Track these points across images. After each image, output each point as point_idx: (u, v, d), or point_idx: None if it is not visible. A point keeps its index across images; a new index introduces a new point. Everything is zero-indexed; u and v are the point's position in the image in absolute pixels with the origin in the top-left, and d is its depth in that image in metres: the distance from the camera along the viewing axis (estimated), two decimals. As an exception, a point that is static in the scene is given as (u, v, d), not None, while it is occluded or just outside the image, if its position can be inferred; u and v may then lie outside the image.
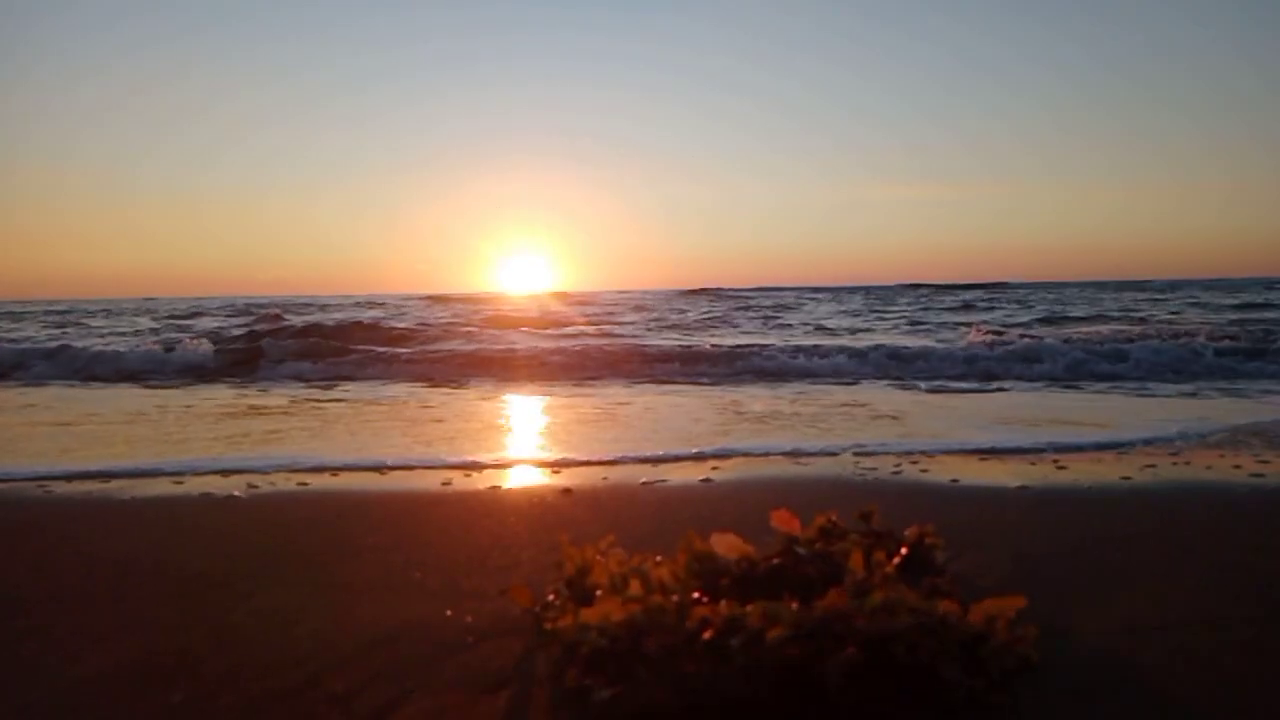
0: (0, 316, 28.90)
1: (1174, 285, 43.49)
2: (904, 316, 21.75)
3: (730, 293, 44.72)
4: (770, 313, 23.94)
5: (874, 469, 4.00)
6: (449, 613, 2.02)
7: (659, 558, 1.83)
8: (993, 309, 24.30)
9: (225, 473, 4.12)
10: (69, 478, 4.04)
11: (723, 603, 1.49)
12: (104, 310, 33.79)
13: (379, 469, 4.14)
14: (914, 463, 4.13)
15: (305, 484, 3.79)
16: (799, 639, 1.41)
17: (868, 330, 17.50)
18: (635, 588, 1.57)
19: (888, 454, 4.41)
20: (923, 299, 33.16)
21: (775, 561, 1.78)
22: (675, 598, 1.53)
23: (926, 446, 4.63)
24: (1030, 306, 25.15)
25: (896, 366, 9.19)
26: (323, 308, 30.24)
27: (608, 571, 1.70)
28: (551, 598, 1.84)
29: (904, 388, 7.91)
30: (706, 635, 1.42)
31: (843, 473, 3.94)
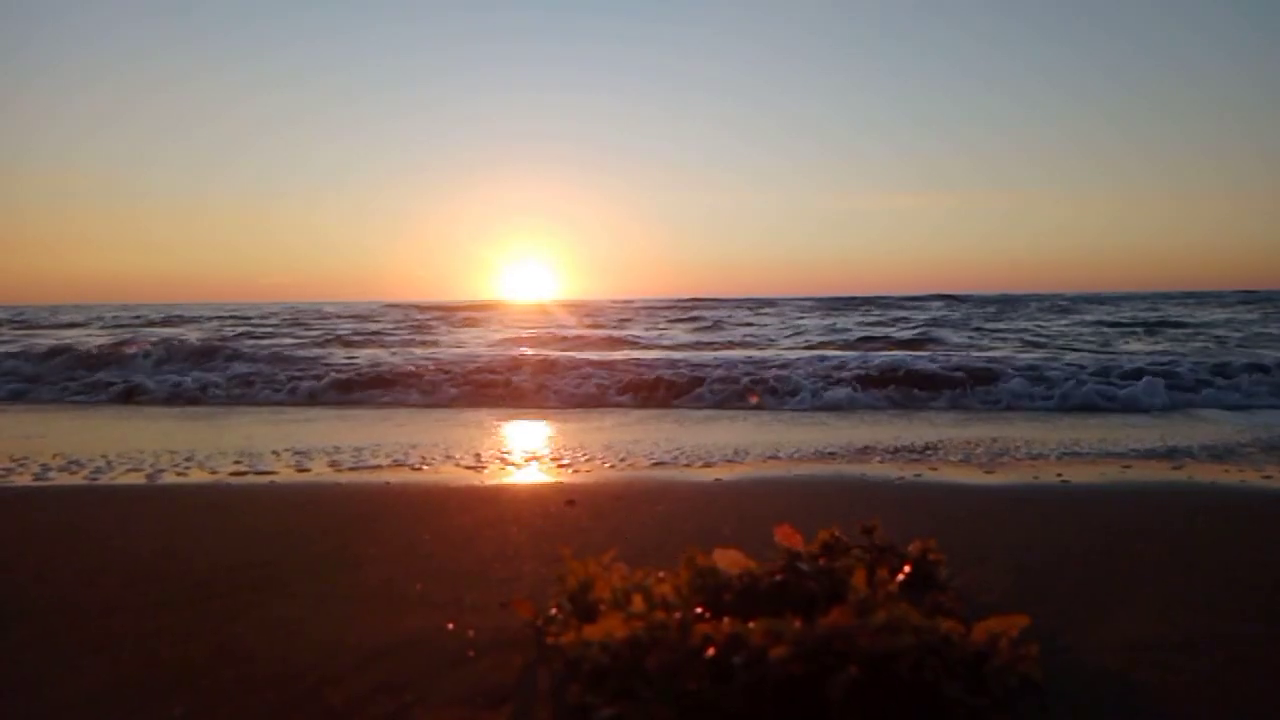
0: None
1: (1161, 297, 43.24)
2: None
3: (730, 302, 44.64)
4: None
5: (876, 481, 3.99)
6: (450, 625, 2.02)
7: (661, 573, 1.83)
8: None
9: (229, 481, 4.12)
10: (69, 484, 4.04)
11: (725, 620, 1.49)
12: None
13: (383, 479, 4.14)
14: (916, 474, 4.13)
15: (308, 494, 3.79)
16: (802, 657, 1.41)
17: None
18: (638, 604, 1.56)
19: (889, 464, 4.41)
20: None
21: (778, 578, 1.78)
22: (678, 614, 1.53)
23: (927, 457, 4.63)
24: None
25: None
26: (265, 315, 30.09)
27: (610, 587, 1.70)
28: (554, 611, 1.84)
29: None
30: (709, 653, 1.42)
31: (845, 484, 3.94)
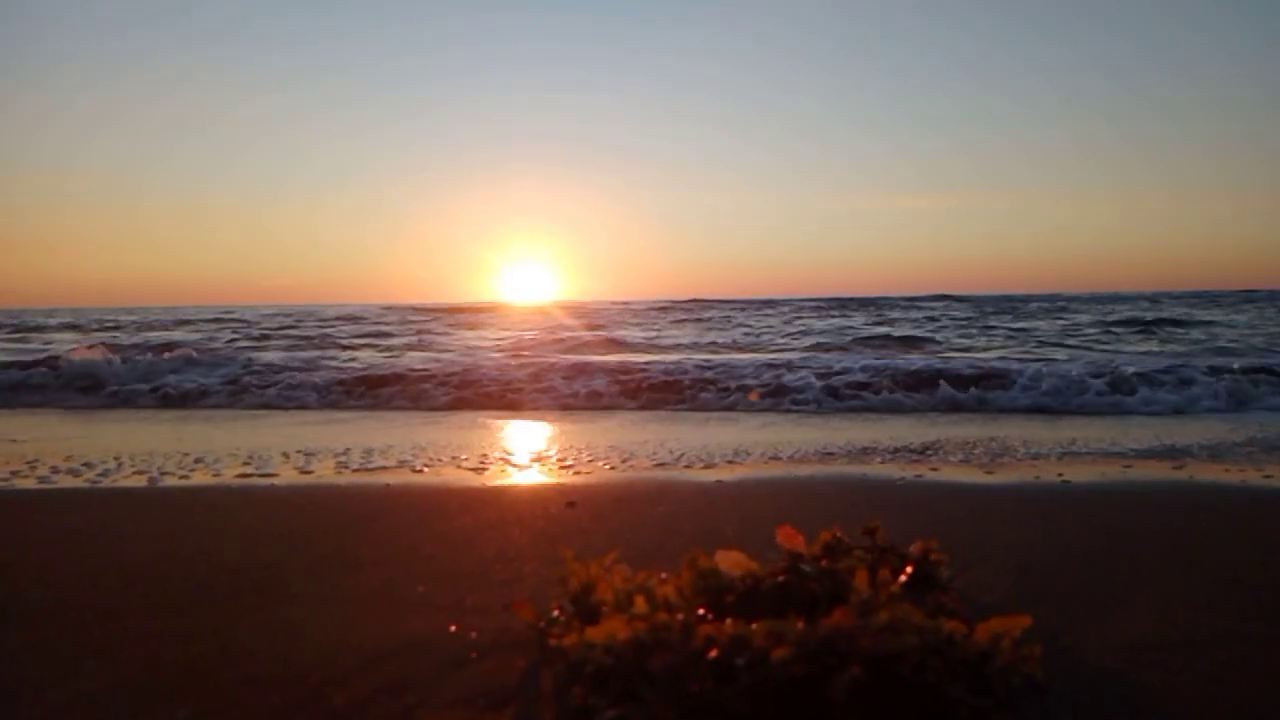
0: None
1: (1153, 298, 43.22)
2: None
3: (731, 303, 44.70)
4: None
5: (877, 481, 3.99)
6: (453, 627, 2.02)
7: (664, 574, 1.83)
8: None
9: (229, 483, 4.12)
10: (69, 487, 4.04)
11: (728, 621, 1.49)
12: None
13: (383, 481, 4.14)
14: (916, 474, 4.13)
15: (309, 495, 3.79)
16: (804, 658, 1.41)
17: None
18: (640, 605, 1.56)
19: (890, 465, 4.41)
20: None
21: (780, 579, 1.78)
22: (680, 616, 1.53)
23: (928, 457, 4.63)
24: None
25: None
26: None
27: (613, 588, 1.70)
28: (556, 613, 1.84)
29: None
30: (712, 654, 1.42)
31: (846, 484, 3.94)
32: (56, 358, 10.50)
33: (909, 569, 1.97)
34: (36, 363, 10.41)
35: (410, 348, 16.79)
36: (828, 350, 14.67)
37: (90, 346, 11.70)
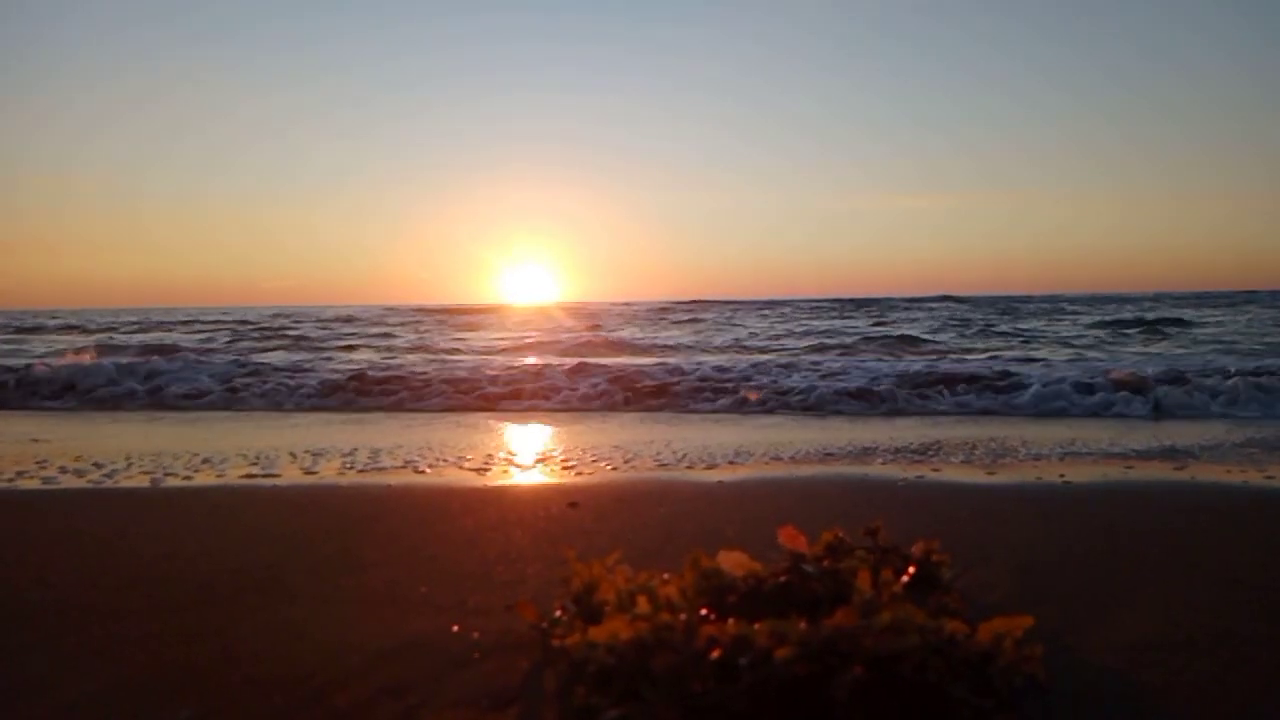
0: None
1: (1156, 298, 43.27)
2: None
3: (733, 304, 44.71)
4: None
5: (878, 481, 4.00)
6: (455, 628, 2.02)
7: (666, 575, 1.83)
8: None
9: (231, 483, 4.12)
10: (71, 487, 4.04)
11: (730, 621, 1.49)
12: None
13: (385, 482, 4.14)
14: (918, 475, 4.13)
15: (310, 496, 3.79)
16: (807, 658, 1.41)
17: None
18: (643, 605, 1.57)
19: (891, 465, 4.41)
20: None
21: (782, 579, 1.78)
22: (683, 616, 1.53)
23: (929, 457, 4.63)
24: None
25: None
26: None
27: (615, 589, 1.70)
28: (559, 614, 1.85)
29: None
30: (714, 654, 1.42)
31: (848, 485, 3.94)
32: (32, 364, 10.44)
33: (911, 569, 1.97)
34: (28, 365, 10.34)
35: (411, 348, 16.80)
36: (828, 350, 14.67)
37: (79, 350, 11.64)
